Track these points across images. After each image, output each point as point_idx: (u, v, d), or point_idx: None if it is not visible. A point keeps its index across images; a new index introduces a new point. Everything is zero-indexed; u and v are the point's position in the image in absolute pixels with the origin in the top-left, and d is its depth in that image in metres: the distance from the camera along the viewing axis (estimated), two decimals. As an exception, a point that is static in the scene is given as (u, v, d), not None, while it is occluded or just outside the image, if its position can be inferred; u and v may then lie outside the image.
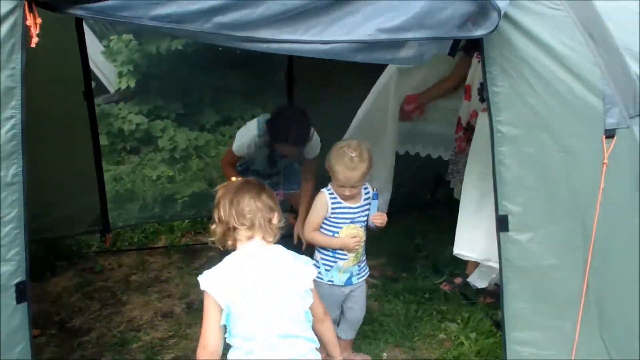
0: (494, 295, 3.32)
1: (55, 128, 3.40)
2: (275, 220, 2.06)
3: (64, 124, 3.55)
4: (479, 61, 3.00)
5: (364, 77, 3.34)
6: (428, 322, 3.16)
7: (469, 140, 3.20)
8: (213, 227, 2.09)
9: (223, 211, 2.05)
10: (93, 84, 3.87)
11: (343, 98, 3.67)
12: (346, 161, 2.63)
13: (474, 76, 3.17)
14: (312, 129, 3.17)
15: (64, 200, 3.66)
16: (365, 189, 2.80)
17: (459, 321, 3.15)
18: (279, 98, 4.97)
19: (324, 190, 2.79)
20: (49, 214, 3.57)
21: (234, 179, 2.21)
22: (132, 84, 5.47)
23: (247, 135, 3.29)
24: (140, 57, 5.43)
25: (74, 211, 3.78)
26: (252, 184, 2.13)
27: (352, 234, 2.76)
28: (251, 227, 2.03)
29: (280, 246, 2.08)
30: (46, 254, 3.75)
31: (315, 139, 3.23)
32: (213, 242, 2.11)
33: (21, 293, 1.85)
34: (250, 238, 2.04)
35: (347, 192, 2.70)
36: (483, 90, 3.00)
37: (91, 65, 3.84)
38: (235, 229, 2.03)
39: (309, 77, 3.71)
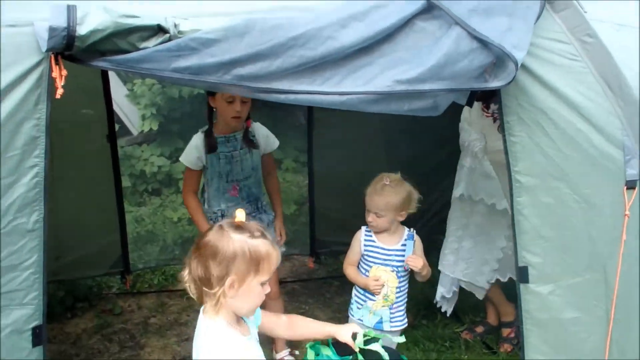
0: (515, 342, 3.29)
1: (78, 169, 3.46)
2: None
3: (87, 165, 3.61)
4: (482, 114, 3.03)
5: (383, 122, 3.36)
6: (448, 372, 3.10)
7: None
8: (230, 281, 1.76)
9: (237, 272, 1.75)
10: (117, 127, 3.94)
11: (363, 141, 3.69)
12: (377, 186, 2.68)
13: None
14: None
15: (85, 241, 3.70)
16: (409, 233, 2.78)
17: (480, 371, 3.08)
18: (298, 140, 5.02)
19: (363, 227, 2.82)
20: (70, 255, 3.60)
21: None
22: (155, 127, 5.57)
23: (191, 142, 3.06)
24: (163, 100, 5.55)
25: (95, 252, 3.81)
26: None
27: (378, 276, 2.74)
28: None
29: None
30: (66, 295, 3.76)
31: (265, 130, 3.18)
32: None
33: (37, 337, 1.88)
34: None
35: (369, 218, 2.70)
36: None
37: (115, 108, 3.92)
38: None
39: (328, 120, 3.73)
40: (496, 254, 3.16)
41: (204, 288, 1.77)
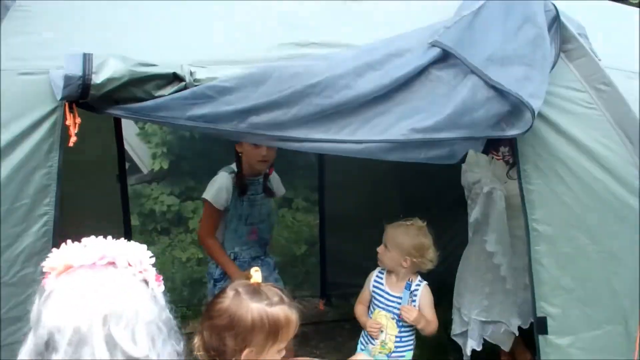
0: None
1: (87, 207, 3.39)
2: None
3: (96, 204, 3.54)
4: (492, 157, 2.92)
5: (396, 162, 3.29)
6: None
7: None
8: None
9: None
10: (127, 165, 3.88)
11: (375, 181, 3.62)
12: (398, 222, 2.63)
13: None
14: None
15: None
16: (408, 283, 2.69)
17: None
18: (309, 179, 4.95)
19: (378, 267, 2.75)
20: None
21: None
22: (166, 165, 5.52)
23: (219, 178, 2.94)
24: (174, 139, 5.51)
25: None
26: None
27: (379, 320, 2.66)
28: None
29: None
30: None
31: (277, 178, 3.15)
32: None
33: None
34: None
35: (379, 248, 2.66)
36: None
37: (126, 146, 3.87)
38: None
39: (340, 159, 3.67)
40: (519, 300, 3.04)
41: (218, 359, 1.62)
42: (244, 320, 1.59)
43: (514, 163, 2.78)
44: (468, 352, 3.08)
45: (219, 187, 2.93)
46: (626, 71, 2.14)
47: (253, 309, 1.61)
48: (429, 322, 2.64)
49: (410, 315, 2.60)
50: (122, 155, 3.64)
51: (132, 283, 1.16)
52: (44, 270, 1.21)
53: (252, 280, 1.68)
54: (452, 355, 3.47)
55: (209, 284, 3.09)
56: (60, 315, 1.09)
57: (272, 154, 2.91)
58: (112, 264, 1.18)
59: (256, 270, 1.70)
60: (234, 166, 2.99)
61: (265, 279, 3.07)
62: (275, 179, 3.13)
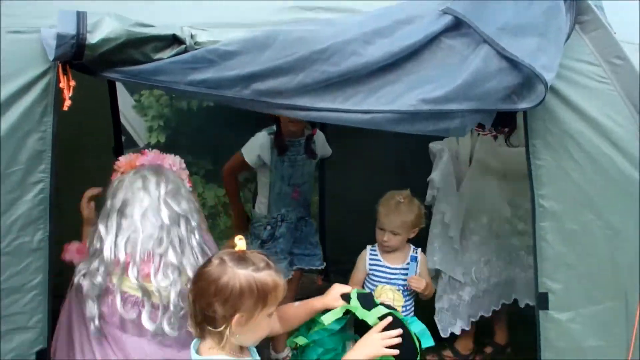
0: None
1: (83, 181, 3.28)
2: None
3: (92, 178, 3.42)
4: (477, 134, 2.84)
5: (396, 141, 3.19)
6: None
7: None
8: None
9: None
10: (123, 138, 3.76)
11: (375, 158, 3.53)
12: (391, 203, 2.54)
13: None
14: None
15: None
16: (413, 255, 2.63)
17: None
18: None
19: (368, 246, 2.67)
20: (72, 270, 3.40)
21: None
22: (162, 139, 5.35)
23: (256, 139, 2.96)
24: (171, 113, 5.34)
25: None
26: None
27: (385, 295, 2.59)
28: None
29: None
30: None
31: (322, 138, 3.14)
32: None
33: (42, 361, 1.72)
34: None
35: (385, 238, 2.53)
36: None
37: (122, 119, 3.75)
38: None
39: (341, 136, 3.55)
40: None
41: (208, 327, 1.57)
42: (233, 287, 1.54)
43: (510, 131, 2.73)
44: (456, 331, 3.01)
45: (253, 143, 2.95)
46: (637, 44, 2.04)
47: (240, 275, 1.56)
48: (431, 287, 2.64)
49: (421, 284, 2.56)
50: (117, 127, 3.51)
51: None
52: (115, 169, 2.14)
53: (237, 248, 1.61)
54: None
55: (250, 246, 2.99)
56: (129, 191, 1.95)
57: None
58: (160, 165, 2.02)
59: (240, 239, 1.62)
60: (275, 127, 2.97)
61: (307, 240, 3.12)
62: (320, 140, 3.10)
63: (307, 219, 3.13)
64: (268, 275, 1.58)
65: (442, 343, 3.18)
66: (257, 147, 2.94)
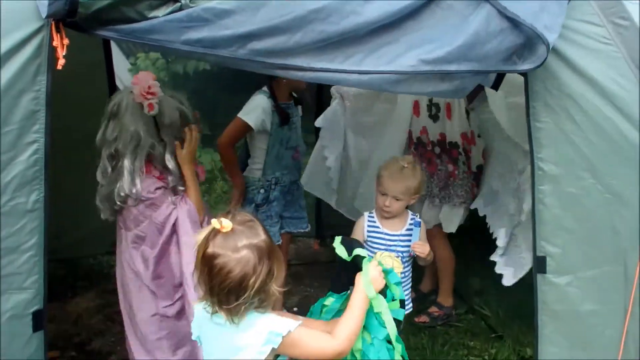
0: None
1: (78, 146, 3.27)
2: None
3: (88, 143, 3.42)
4: None
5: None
6: (454, 357, 2.95)
7: (422, 155, 3.08)
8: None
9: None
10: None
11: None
12: (395, 168, 2.50)
13: None
14: None
15: (86, 219, 3.46)
16: (412, 218, 2.63)
17: (486, 357, 2.94)
18: (305, 121, 4.82)
19: (365, 213, 2.65)
20: (70, 233, 3.41)
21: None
22: (158, 103, 5.36)
23: (256, 99, 2.91)
24: (167, 76, 5.32)
25: (96, 230, 3.60)
26: None
27: (384, 262, 2.60)
28: None
29: None
30: (67, 273, 3.58)
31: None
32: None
33: (38, 321, 1.74)
34: None
35: (386, 203, 2.53)
36: (432, 106, 2.95)
37: (117, 82, 3.72)
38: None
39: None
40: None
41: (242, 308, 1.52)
42: (248, 271, 1.49)
43: (472, 95, 2.69)
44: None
45: (255, 105, 2.89)
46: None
47: (244, 254, 1.50)
48: (432, 252, 2.63)
49: (425, 249, 2.55)
50: (113, 90, 3.47)
51: None
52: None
53: (225, 229, 1.52)
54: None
55: (247, 208, 3.01)
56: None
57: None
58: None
59: (222, 220, 1.53)
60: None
61: (297, 202, 3.16)
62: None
63: (298, 182, 3.17)
64: (263, 236, 1.55)
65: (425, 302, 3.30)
66: (259, 110, 2.88)
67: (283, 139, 2.97)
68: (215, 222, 1.51)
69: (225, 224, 1.51)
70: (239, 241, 1.51)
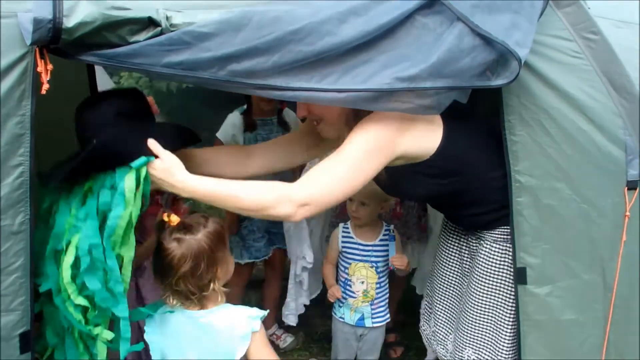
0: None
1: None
2: None
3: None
4: None
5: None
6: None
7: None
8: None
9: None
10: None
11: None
12: None
13: None
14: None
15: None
16: (386, 229, 2.73)
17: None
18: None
19: (341, 224, 2.75)
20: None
21: None
22: (142, 120, 5.45)
23: (227, 119, 3.19)
24: (150, 94, 5.43)
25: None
26: None
27: (359, 272, 2.70)
28: None
29: None
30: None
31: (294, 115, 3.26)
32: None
33: (25, 343, 1.80)
34: None
35: (353, 208, 2.63)
36: None
37: (102, 101, 3.82)
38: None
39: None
40: None
41: (204, 294, 1.88)
42: (204, 250, 1.85)
43: None
44: None
45: (226, 123, 3.17)
46: (614, 20, 2.14)
47: (200, 238, 1.86)
48: (409, 264, 2.76)
49: (403, 262, 2.66)
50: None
51: None
52: None
53: (174, 222, 1.88)
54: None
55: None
56: None
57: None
58: None
59: (169, 215, 1.90)
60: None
61: None
62: (292, 117, 3.25)
63: None
64: (212, 221, 1.91)
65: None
66: (229, 127, 3.13)
67: None
68: (165, 217, 1.88)
69: (173, 218, 1.87)
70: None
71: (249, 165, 2.26)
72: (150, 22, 1.69)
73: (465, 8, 1.80)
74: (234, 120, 3.16)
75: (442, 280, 2.44)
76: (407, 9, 1.79)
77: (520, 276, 2.10)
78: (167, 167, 1.81)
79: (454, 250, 2.40)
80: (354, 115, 1.99)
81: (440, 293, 2.44)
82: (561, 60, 1.98)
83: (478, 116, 2.26)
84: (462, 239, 2.37)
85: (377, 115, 1.91)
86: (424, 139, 1.99)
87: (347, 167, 1.87)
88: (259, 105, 3.11)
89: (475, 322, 2.26)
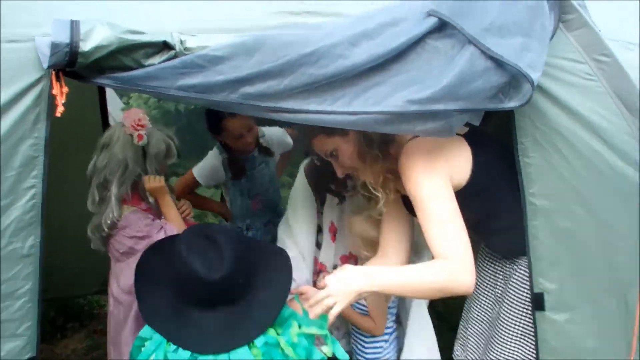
0: None
1: (71, 183, 3.42)
2: None
3: (79, 180, 3.57)
4: None
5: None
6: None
7: None
8: None
9: None
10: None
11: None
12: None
13: None
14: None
15: (76, 259, 3.63)
16: None
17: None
18: (297, 154, 5.01)
19: None
20: (60, 273, 3.52)
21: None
22: (150, 140, 5.55)
23: (208, 156, 3.23)
24: (159, 114, 5.55)
25: (86, 270, 3.75)
26: None
27: None
28: None
29: None
30: (57, 314, 3.71)
31: (278, 132, 3.28)
32: None
33: (31, 369, 1.83)
34: None
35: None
36: None
37: (111, 121, 3.92)
38: None
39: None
40: None
41: None
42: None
43: None
44: None
45: (204, 164, 3.20)
46: (624, 42, 2.20)
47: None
48: None
49: None
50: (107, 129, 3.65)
51: None
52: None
53: None
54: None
55: None
56: None
57: (253, 134, 3.12)
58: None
59: None
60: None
61: None
62: (275, 138, 3.28)
63: (276, 220, 3.21)
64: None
65: None
66: (207, 168, 3.16)
67: (243, 190, 3.18)
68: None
69: None
70: None
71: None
72: (165, 46, 1.78)
73: (476, 31, 1.86)
74: (213, 162, 3.18)
75: (476, 305, 2.56)
76: (418, 33, 1.86)
77: (537, 302, 2.12)
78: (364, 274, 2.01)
79: (489, 275, 2.52)
80: (367, 144, 2.16)
81: (474, 318, 2.56)
82: (573, 83, 2.03)
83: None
84: (497, 264, 2.48)
85: (418, 164, 2.06)
86: (460, 163, 2.16)
87: (449, 218, 2.03)
88: (237, 145, 3.09)
89: (504, 349, 2.33)
